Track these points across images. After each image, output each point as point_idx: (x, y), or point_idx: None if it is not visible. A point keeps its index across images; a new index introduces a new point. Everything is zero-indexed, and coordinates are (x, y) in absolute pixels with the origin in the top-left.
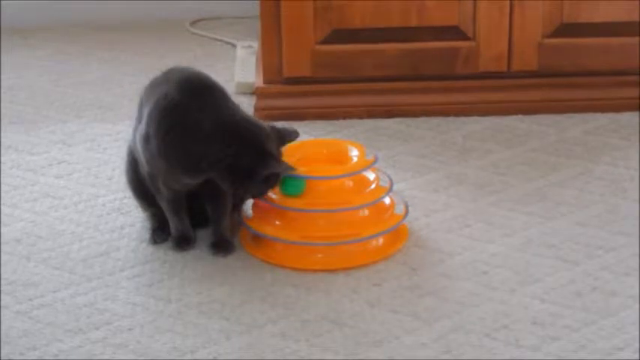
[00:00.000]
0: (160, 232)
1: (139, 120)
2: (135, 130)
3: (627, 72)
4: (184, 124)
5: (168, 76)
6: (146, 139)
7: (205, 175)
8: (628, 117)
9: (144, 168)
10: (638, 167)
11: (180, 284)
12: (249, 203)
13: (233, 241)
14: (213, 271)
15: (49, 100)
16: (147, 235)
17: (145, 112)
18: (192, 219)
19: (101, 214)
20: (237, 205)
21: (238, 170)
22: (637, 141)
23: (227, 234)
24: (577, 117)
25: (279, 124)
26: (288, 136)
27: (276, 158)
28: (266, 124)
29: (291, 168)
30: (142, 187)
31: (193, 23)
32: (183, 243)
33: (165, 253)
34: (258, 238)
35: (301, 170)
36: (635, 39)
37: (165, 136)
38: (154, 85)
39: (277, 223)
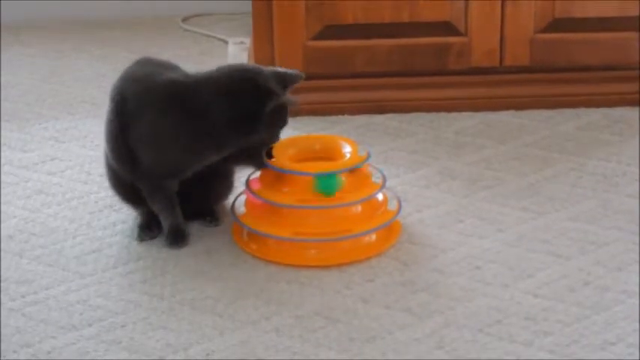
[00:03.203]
0: (147, 230)
1: (124, 116)
2: (118, 126)
3: (619, 67)
4: (192, 109)
5: (146, 70)
6: (157, 137)
7: (225, 148)
8: (620, 112)
9: (144, 167)
10: (630, 162)
11: (173, 281)
12: (242, 200)
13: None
14: (206, 268)
15: (42, 97)
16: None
17: (134, 108)
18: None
19: (94, 211)
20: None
21: (242, 117)
22: (629, 136)
23: (218, 211)
24: (569, 112)
25: (281, 69)
26: (290, 79)
27: (275, 92)
28: (266, 67)
29: (295, 100)
30: (124, 187)
31: (185, 20)
32: (179, 239)
33: (158, 250)
34: (251, 235)
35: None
36: (627, 34)
37: (182, 128)
38: (139, 81)
39: (270, 219)
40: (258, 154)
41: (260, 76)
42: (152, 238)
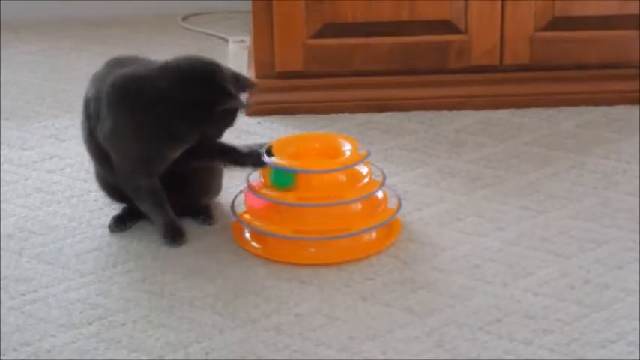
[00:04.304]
0: (120, 222)
1: (90, 119)
2: (87, 128)
3: (619, 65)
4: (142, 99)
5: (110, 68)
6: (114, 133)
7: (180, 138)
8: (620, 110)
9: (117, 167)
10: (630, 160)
11: (173, 279)
12: (242, 198)
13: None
14: (206, 266)
15: (41, 96)
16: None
17: (94, 109)
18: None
19: (93, 209)
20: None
21: (195, 110)
22: (629, 134)
23: (211, 210)
24: (569, 110)
25: (237, 72)
26: (245, 84)
27: (231, 92)
28: (225, 66)
29: (247, 105)
30: (109, 186)
31: (185, 18)
32: (177, 236)
33: (158, 248)
34: (251, 233)
35: (292, 164)
36: (627, 32)
37: (133, 120)
38: (100, 79)
39: (270, 217)
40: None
41: (219, 73)
42: (122, 230)
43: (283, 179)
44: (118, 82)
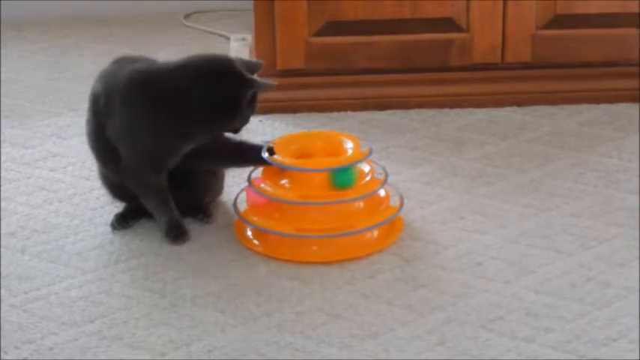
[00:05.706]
0: (122, 220)
1: (99, 115)
2: (95, 125)
3: (621, 63)
4: (161, 94)
5: (118, 65)
6: (128, 128)
7: (199, 134)
8: (622, 108)
9: (125, 162)
10: (631, 158)
11: (174, 277)
12: (244, 196)
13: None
14: (207, 264)
15: (43, 94)
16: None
17: (104, 104)
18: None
19: (95, 208)
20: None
21: (223, 103)
22: (631, 132)
23: (212, 209)
24: (571, 108)
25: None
26: (255, 67)
27: (254, 79)
28: (234, 56)
29: (272, 83)
30: (113, 184)
31: (187, 16)
32: (180, 234)
33: (160, 246)
34: (253, 231)
35: (294, 162)
36: (629, 30)
37: (150, 115)
38: (109, 76)
39: (272, 215)
40: (257, 154)
41: (236, 63)
42: (124, 228)
43: (344, 179)
44: (135, 76)
